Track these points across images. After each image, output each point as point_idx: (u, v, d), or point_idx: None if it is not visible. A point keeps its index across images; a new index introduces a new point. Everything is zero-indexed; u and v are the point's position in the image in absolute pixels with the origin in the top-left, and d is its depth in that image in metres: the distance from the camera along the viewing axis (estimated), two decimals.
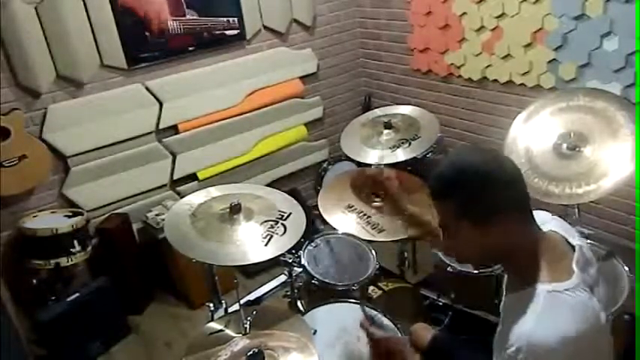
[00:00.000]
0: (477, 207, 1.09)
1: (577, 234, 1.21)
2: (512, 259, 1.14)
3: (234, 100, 3.34)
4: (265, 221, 1.85)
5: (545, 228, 1.18)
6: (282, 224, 1.86)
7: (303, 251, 2.25)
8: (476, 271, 2.11)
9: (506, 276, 1.25)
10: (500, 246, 1.12)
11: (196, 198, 1.98)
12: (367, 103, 3.98)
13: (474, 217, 1.10)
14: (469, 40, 3.10)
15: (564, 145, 2.01)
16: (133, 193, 3.09)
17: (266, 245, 1.77)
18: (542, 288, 1.06)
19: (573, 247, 1.14)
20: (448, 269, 2.18)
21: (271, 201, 1.98)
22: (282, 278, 2.39)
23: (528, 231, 1.13)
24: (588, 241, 2.03)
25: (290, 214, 1.92)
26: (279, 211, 1.92)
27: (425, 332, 1.60)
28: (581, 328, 1.01)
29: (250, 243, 1.77)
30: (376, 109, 2.80)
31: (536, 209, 1.21)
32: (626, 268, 1.93)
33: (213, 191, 2.03)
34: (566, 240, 1.16)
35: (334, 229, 2.29)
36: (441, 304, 2.31)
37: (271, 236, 1.80)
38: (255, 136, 3.50)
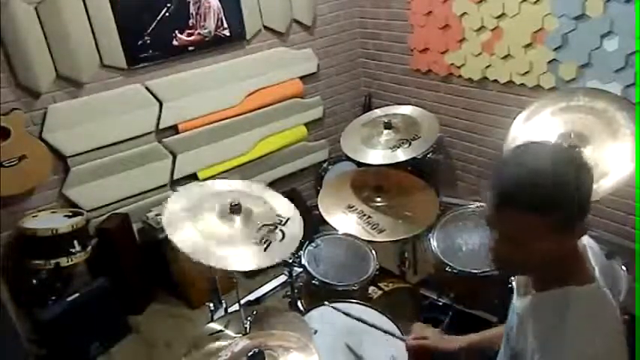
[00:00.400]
0: (566, 221, 0.99)
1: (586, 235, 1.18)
2: (557, 264, 1.07)
3: (234, 100, 3.34)
4: (264, 225, 1.84)
5: None
6: (280, 230, 1.84)
7: (304, 251, 2.25)
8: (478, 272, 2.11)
9: (520, 276, 1.21)
10: (561, 253, 1.05)
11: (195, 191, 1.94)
12: (367, 103, 3.98)
13: (564, 230, 1.00)
14: (469, 40, 3.10)
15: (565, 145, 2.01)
16: (133, 193, 3.09)
17: (265, 250, 1.76)
18: (576, 290, 1.04)
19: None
20: (448, 269, 2.18)
21: (271, 204, 1.97)
22: (282, 278, 2.39)
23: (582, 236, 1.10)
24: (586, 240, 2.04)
25: (288, 219, 1.89)
26: (278, 215, 1.90)
27: (424, 332, 1.58)
28: (614, 324, 1.03)
29: (249, 248, 1.75)
30: (376, 109, 2.80)
31: None
32: (624, 268, 1.93)
33: (216, 185, 1.99)
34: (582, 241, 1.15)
35: (334, 229, 2.29)
36: (441, 304, 2.31)
37: (270, 242, 1.78)
38: (255, 136, 3.50)
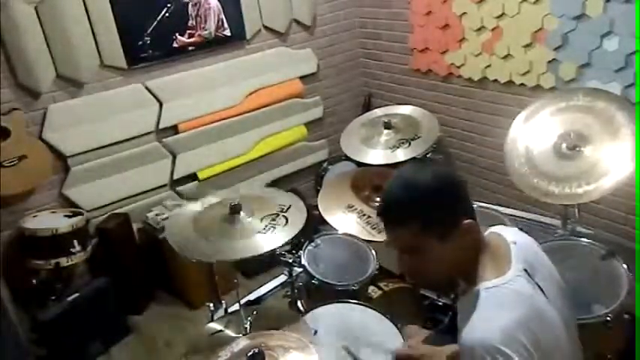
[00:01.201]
0: (440, 222, 1.12)
1: (514, 231, 1.27)
2: (464, 266, 1.16)
3: (234, 100, 3.34)
4: (266, 216, 1.86)
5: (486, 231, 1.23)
6: (283, 216, 1.87)
7: (303, 251, 2.25)
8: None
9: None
10: (463, 253, 1.14)
11: (195, 207, 1.98)
12: (367, 103, 3.98)
13: (440, 232, 1.12)
14: (469, 40, 3.10)
15: (564, 145, 2.01)
16: (133, 193, 3.09)
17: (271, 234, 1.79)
18: (483, 286, 1.11)
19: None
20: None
21: (270, 198, 1.98)
22: (282, 278, 2.39)
23: (478, 234, 1.17)
24: (586, 240, 2.04)
25: (290, 206, 1.93)
26: (279, 205, 1.93)
27: (417, 334, 1.61)
28: (524, 313, 1.05)
29: (254, 236, 1.78)
30: (376, 109, 2.80)
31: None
32: (625, 266, 1.93)
33: (212, 199, 2.01)
34: (505, 239, 1.21)
35: (334, 228, 2.29)
36: (441, 304, 2.31)
37: (274, 227, 1.81)
38: (255, 136, 3.50)
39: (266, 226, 1.82)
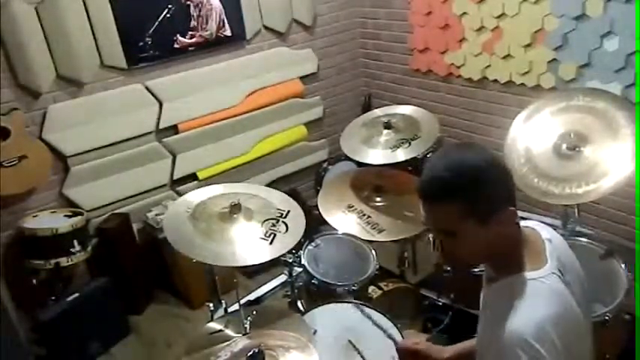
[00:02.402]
0: (482, 205, 1.07)
1: (548, 229, 1.24)
2: (501, 253, 1.14)
3: (234, 100, 3.34)
4: (266, 220, 1.85)
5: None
6: (283, 222, 1.86)
7: (303, 251, 2.25)
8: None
9: (485, 268, 1.26)
10: (499, 240, 1.11)
11: (195, 197, 1.97)
12: (367, 103, 3.98)
13: (480, 215, 1.08)
14: (469, 40, 3.10)
15: (564, 145, 2.01)
16: (133, 193, 3.09)
17: (271, 244, 1.78)
18: (522, 276, 1.10)
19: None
20: (448, 269, 2.18)
21: (269, 200, 1.98)
22: (282, 278, 2.39)
23: (516, 224, 1.15)
24: (585, 240, 2.04)
25: (289, 211, 1.92)
26: (278, 209, 1.93)
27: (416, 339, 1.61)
28: (559, 311, 1.05)
29: (254, 243, 1.77)
30: (376, 109, 2.80)
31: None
32: (623, 265, 1.93)
33: (213, 190, 2.01)
34: (540, 235, 1.20)
35: (334, 228, 2.29)
36: (441, 304, 2.31)
37: (274, 235, 1.80)
38: (255, 136, 3.50)
39: (267, 232, 1.81)
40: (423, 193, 1.13)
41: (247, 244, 1.77)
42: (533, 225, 1.23)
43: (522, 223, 1.19)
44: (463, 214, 1.07)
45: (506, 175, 1.12)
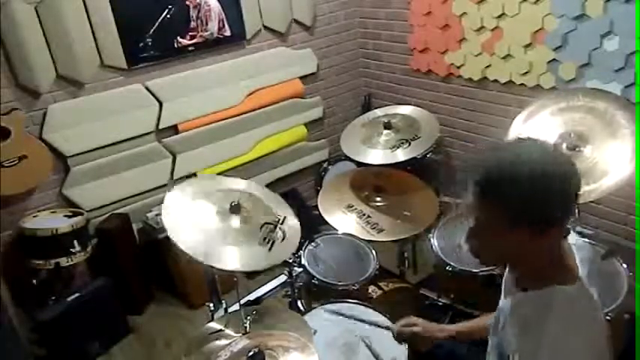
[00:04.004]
0: (542, 218, 0.98)
1: (574, 237, 1.20)
2: (538, 263, 1.08)
3: (234, 100, 3.34)
4: (265, 224, 1.85)
5: None
6: (280, 229, 1.87)
7: (303, 251, 2.25)
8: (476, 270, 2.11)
9: (508, 273, 1.23)
10: (540, 252, 1.05)
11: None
12: (367, 103, 3.98)
13: (535, 227, 0.99)
14: (469, 40, 3.10)
15: (564, 145, 2.01)
16: (133, 193, 3.09)
17: (270, 250, 1.78)
18: (559, 290, 1.05)
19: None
20: (448, 269, 2.18)
21: (268, 203, 1.98)
22: (282, 278, 2.39)
23: (562, 239, 1.09)
24: (585, 240, 2.04)
25: (285, 217, 1.92)
26: (275, 214, 1.93)
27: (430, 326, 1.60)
28: (593, 325, 1.04)
29: (254, 249, 1.78)
30: (376, 109, 2.80)
31: None
32: (624, 266, 1.93)
33: (217, 183, 2.00)
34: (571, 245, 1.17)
35: (334, 228, 2.29)
36: (441, 304, 2.31)
37: (273, 242, 1.81)
38: (255, 136, 3.50)
39: (265, 238, 1.81)
40: (485, 184, 1.01)
41: (246, 249, 1.76)
42: None
43: None
44: (519, 221, 0.99)
45: (571, 191, 1.01)
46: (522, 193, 0.97)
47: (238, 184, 2.03)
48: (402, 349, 1.67)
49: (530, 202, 0.98)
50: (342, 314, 1.87)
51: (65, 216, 2.74)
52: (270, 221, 1.87)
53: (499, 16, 2.89)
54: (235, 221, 1.83)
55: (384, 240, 2.20)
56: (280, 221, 1.89)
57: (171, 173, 3.21)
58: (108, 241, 2.91)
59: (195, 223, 1.77)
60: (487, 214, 1.03)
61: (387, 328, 1.72)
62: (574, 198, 1.02)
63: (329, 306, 1.95)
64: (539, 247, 1.03)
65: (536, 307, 1.06)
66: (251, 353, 1.43)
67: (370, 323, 1.79)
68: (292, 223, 1.93)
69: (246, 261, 1.75)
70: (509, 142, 1.13)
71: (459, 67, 3.24)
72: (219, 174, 3.37)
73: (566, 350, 1.00)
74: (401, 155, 2.39)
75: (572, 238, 1.16)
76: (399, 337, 1.58)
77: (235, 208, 1.83)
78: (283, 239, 1.84)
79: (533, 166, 0.98)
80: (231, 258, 1.73)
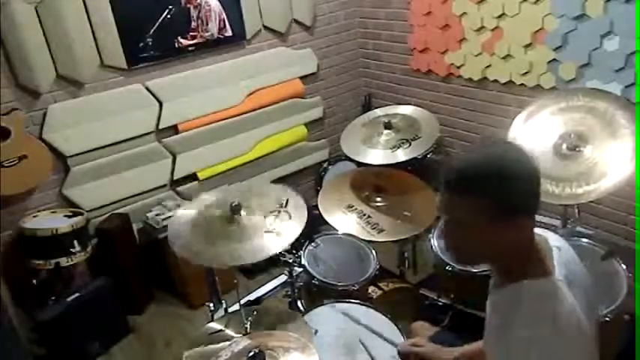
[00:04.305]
0: (505, 207, 1.05)
1: (557, 237, 1.23)
2: (510, 258, 1.13)
3: (234, 100, 3.34)
4: (269, 213, 1.86)
5: None
6: (285, 212, 1.89)
7: (303, 251, 2.25)
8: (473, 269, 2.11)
9: (492, 273, 1.25)
10: (510, 245, 1.10)
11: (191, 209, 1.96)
12: (367, 103, 3.98)
13: (499, 216, 1.05)
14: (469, 40, 3.10)
15: (564, 145, 2.01)
16: (133, 193, 3.09)
17: (277, 236, 1.80)
18: (528, 283, 1.09)
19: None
20: (448, 269, 2.18)
21: (267, 192, 2.00)
22: (282, 278, 2.39)
23: (532, 232, 1.13)
24: (586, 240, 2.04)
25: (287, 200, 1.95)
26: (278, 200, 1.95)
27: (424, 331, 1.61)
28: (566, 317, 1.04)
29: (263, 238, 1.79)
30: (376, 109, 2.80)
31: None
32: (624, 266, 1.93)
33: (207, 198, 2.01)
34: (548, 242, 1.19)
35: (334, 229, 2.29)
36: (441, 304, 2.31)
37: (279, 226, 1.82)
38: (255, 136, 3.50)
39: (272, 224, 1.82)
40: (450, 180, 1.10)
41: (256, 241, 1.78)
42: (543, 232, 1.21)
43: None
44: (483, 211, 1.06)
45: (535, 184, 1.09)
46: (490, 186, 1.05)
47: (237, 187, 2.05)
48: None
49: (497, 194, 1.05)
50: (353, 318, 1.86)
51: (65, 216, 2.74)
52: (273, 209, 1.89)
53: (499, 16, 2.89)
54: (240, 219, 1.83)
55: (384, 240, 2.20)
56: (284, 204, 1.90)
57: (172, 173, 3.21)
58: (108, 241, 2.91)
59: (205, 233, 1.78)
60: (457, 210, 1.10)
61: (393, 343, 1.72)
62: (537, 192, 1.10)
63: (340, 305, 1.94)
64: (510, 240, 1.09)
65: (508, 303, 1.10)
66: (251, 353, 1.43)
67: (378, 334, 1.79)
68: (295, 201, 1.95)
69: (259, 250, 1.76)
70: (479, 143, 1.18)
71: (459, 67, 3.24)
72: (219, 174, 3.38)
73: (528, 336, 1.02)
74: (401, 155, 2.39)
75: (559, 241, 1.20)
76: (403, 357, 1.58)
77: (236, 209, 1.84)
78: (290, 218, 1.86)
79: (500, 162, 1.07)
80: (247, 252, 1.75)
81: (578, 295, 1.12)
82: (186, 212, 1.93)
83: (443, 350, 1.50)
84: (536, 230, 1.20)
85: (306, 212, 1.91)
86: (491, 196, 1.05)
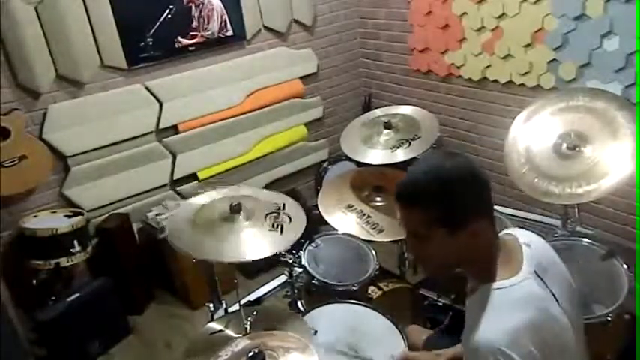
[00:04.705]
0: (452, 214, 1.09)
1: (526, 233, 1.25)
2: (473, 263, 1.16)
3: (234, 100, 3.34)
4: (268, 214, 1.86)
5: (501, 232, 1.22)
6: (284, 214, 1.89)
7: (303, 251, 2.25)
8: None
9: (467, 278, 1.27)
10: (469, 251, 1.12)
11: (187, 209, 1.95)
12: (367, 103, 3.98)
13: (449, 224, 1.09)
14: (469, 40, 3.10)
15: (564, 145, 2.01)
16: (133, 193, 3.09)
17: (281, 234, 1.80)
18: (493, 286, 1.10)
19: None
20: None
21: (262, 197, 2.00)
22: (282, 278, 2.38)
23: (491, 235, 1.16)
24: (586, 240, 2.04)
25: (284, 204, 1.94)
26: (274, 203, 1.94)
27: (419, 334, 1.62)
28: (533, 316, 1.04)
29: (266, 236, 1.79)
30: (376, 109, 2.80)
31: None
32: (624, 266, 1.93)
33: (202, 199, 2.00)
34: (517, 240, 1.20)
35: (334, 229, 2.29)
36: (441, 304, 2.31)
37: (282, 226, 1.83)
38: (255, 136, 3.50)
39: (273, 224, 1.82)
40: (397, 195, 1.16)
41: (259, 239, 1.79)
42: (511, 231, 1.24)
43: (503, 230, 1.20)
44: (432, 221, 1.10)
45: (483, 187, 1.13)
46: (433, 196, 1.09)
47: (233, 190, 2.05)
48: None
49: (442, 203, 1.09)
50: (353, 319, 1.87)
51: (65, 216, 2.75)
52: (271, 211, 1.89)
53: (499, 16, 2.89)
54: (240, 220, 1.83)
55: (384, 240, 2.20)
56: (281, 208, 1.90)
57: (172, 173, 3.21)
58: (108, 241, 2.91)
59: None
60: (410, 222, 1.15)
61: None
62: (484, 197, 1.14)
63: (339, 305, 1.95)
64: (468, 246, 1.11)
65: (476, 306, 1.12)
66: (251, 353, 1.43)
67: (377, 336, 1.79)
68: (292, 205, 1.95)
69: (263, 247, 1.76)
70: (422, 156, 1.23)
71: (459, 67, 3.24)
72: (219, 174, 3.38)
73: (489, 334, 1.03)
74: (401, 155, 2.38)
75: (527, 237, 1.21)
76: None
77: (236, 209, 1.83)
78: (290, 221, 1.86)
79: (439, 172, 1.11)
80: (249, 248, 1.76)
81: (557, 289, 1.13)
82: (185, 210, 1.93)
83: (432, 355, 1.52)
84: (506, 230, 1.23)
85: (304, 218, 1.91)
86: (437, 206, 1.09)
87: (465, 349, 1.15)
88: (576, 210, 2.21)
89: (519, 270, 1.11)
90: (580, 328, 1.20)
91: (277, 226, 1.82)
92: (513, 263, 1.13)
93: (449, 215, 1.09)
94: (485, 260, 1.14)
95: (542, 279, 1.12)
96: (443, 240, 1.10)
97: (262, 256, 1.75)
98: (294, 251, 2.14)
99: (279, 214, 1.88)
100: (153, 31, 2.92)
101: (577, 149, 1.98)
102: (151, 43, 2.93)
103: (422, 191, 1.11)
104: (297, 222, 1.86)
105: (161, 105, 3.07)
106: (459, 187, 1.09)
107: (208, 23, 3.11)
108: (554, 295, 1.12)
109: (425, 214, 1.10)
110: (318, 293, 2.14)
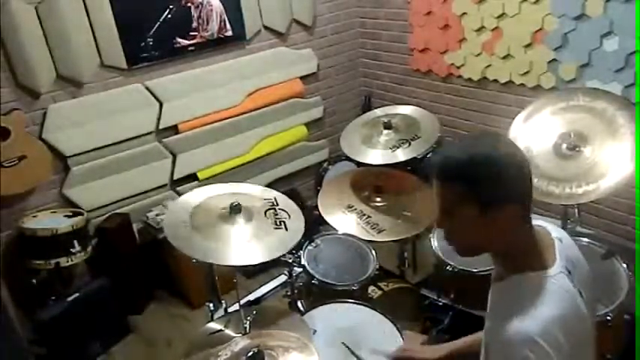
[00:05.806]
0: (484, 193, 1.06)
1: (557, 228, 1.24)
2: (506, 249, 1.13)
3: (234, 100, 3.34)
4: (267, 211, 1.87)
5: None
6: (281, 209, 1.89)
7: (303, 251, 2.25)
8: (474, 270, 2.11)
9: (494, 266, 1.25)
10: (502, 235, 1.10)
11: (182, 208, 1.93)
12: (367, 103, 3.98)
13: (484, 203, 1.07)
14: (469, 40, 3.10)
15: (564, 145, 2.01)
16: (133, 193, 3.09)
17: (286, 230, 1.81)
18: (526, 275, 1.09)
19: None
20: (448, 269, 2.18)
21: (254, 194, 2.00)
22: (282, 278, 2.39)
23: (527, 222, 1.14)
24: (586, 240, 2.04)
25: (275, 198, 1.96)
26: (266, 199, 1.95)
27: (415, 340, 1.62)
28: (566, 311, 1.04)
29: (274, 234, 1.80)
30: (376, 109, 2.80)
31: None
32: (624, 265, 1.93)
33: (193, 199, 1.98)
34: (550, 234, 1.19)
35: (334, 229, 2.29)
36: (441, 304, 2.31)
37: (284, 222, 1.83)
38: (255, 136, 3.50)
39: (276, 221, 1.83)
40: (433, 170, 1.13)
41: (267, 238, 1.79)
42: (543, 224, 1.22)
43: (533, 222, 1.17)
44: (464, 198, 1.07)
45: (522, 173, 1.10)
46: (474, 173, 1.06)
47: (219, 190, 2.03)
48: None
49: (482, 181, 1.06)
50: (353, 319, 1.86)
51: (65, 216, 2.75)
52: (268, 207, 1.89)
53: (499, 16, 2.89)
54: (241, 221, 1.82)
55: (384, 240, 2.20)
56: (275, 202, 1.90)
57: (172, 173, 3.21)
58: (108, 241, 2.91)
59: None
60: (444, 198, 1.12)
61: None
62: (526, 182, 1.11)
63: (339, 305, 1.95)
64: (501, 230, 1.09)
65: (504, 295, 1.11)
66: (251, 353, 1.43)
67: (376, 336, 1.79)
68: (283, 199, 1.97)
69: (275, 247, 1.77)
70: (469, 135, 1.20)
71: (459, 67, 3.24)
72: (219, 174, 3.38)
73: (521, 329, 1.01)
74: (401, 155, 2.39)
75: (559, 232, 1.20)
76: None
77: (236, 209, 1.83)
78: (290, 217, 1.86)
79: (485, 150, 1.08)
80: (263, 249, 1.76)
81: (582, 288, 1.12)
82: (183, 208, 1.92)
83: (429, 349, 1.51)
84: (538, 222, 1.20)
85: (301, 214, 1.91)
86: (476, 184, 1.06)
87: (488, 337, 1.14)
88: (576, 210, 2.21)
89: (553, 263, 1.10)
90: (593, 329, 1.20)
91: (280, 223, 1.83)
92: (547, 256, 1.12)
93: (480, 193, 1.06)
94: (518, 248, 1.12)
95: (571, 276, 1.11)
96: (477, 220, 1.08)
97: (275, 257, 1.76)
98: (294, 251, 2.14)
99: (275, 209, 1.88)
100: (153, 31, 2.92)
101: (577, 149, 1.98)
102: (150, 43, 2.93)
103: (463, 167, 1.07)
104: (295, 215, 1.87)
105: (161, 105, 3.07)
106: (495, 167, 1.06)
107: (208, 23, 3.11)
108: (580, 293, 1.11)
109: (457, 189, 1.08)
110: (318, 293, 2.14)
